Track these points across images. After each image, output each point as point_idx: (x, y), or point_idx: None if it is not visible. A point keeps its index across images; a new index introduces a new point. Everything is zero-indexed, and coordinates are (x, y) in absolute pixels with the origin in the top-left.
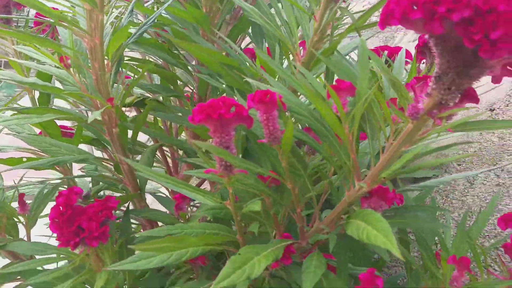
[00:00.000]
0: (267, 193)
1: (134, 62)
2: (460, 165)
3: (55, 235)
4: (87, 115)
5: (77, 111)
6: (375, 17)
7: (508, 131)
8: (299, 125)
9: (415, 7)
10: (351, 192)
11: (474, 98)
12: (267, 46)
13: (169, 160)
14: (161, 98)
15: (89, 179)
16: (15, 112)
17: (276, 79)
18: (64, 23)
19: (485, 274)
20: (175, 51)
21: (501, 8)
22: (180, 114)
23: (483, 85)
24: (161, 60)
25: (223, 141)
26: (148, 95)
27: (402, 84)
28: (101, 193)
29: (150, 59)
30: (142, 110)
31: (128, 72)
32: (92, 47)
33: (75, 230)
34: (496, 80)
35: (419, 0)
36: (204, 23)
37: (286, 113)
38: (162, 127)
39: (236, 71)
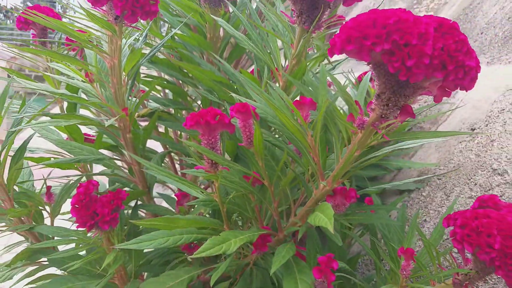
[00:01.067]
0: (251, 190)
1: (148, 79)
2: (440, 179)
3: (75, 225)
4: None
5: (98, 118)
6: None
7: (484, 149)
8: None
9: (350, 41)
10: (318, 190)
11: (410, 113)
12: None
13: (177, 166)
14: (172, 111)
15: (106, 181)
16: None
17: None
18: (89, 46)
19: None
20: (185, 70)
21: (413, 42)
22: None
23: (464, 104)
24: (173, 78)
25: (209, 142)
26: (162, 108)
27: (353, 101)
28: None
29: (166, 77)
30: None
31: (143, 86)
32: (112, 66)
33: (91, 214)
34: (436, 99)
35: (353, 36)
36: (207, 47)
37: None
38: (173, 136)
39: (225, 88)
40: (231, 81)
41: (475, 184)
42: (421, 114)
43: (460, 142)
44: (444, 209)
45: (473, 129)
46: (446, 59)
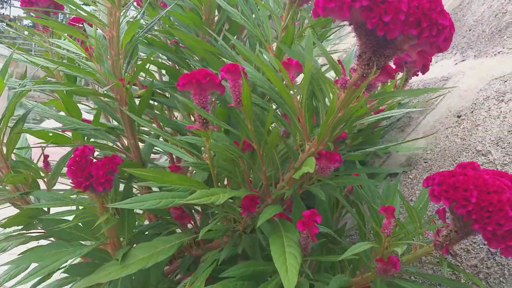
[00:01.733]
0: (240, 155)
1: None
2: (426, 162)
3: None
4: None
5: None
6: None
7: (469, 133)
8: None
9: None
10: (304, 154)
11: (390, 74)
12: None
13: None
14: (167, 95)
15: None
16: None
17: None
18: (91, 18)
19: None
20: (182, 55)
21: None
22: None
23: (450, 92)
24: (170, 62)
25: (201, 102)
26: (158, 91)
27: (336, 63)
28: None
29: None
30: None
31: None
32: (110, 38)
33: (86, 175)
34: (417, 64)
35: None
36: (202, 27)
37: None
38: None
39: (217, 57)
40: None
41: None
42: (410, 104)
43: (447, 128)
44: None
45: (459, 116)
46: (421, 16)
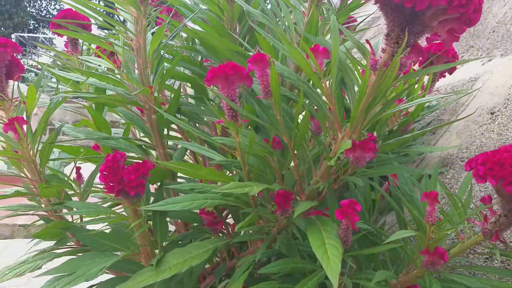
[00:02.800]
0: (271, 152)
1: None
2: (463, 161)
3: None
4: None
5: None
6: None
7: (505, 127)
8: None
9: None
10: (337, 143)
11: (420, 52)
12: None
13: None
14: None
15: None
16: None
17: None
18: (119, 29)
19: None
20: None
21: None
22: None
23: (481, 93)
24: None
25: (229, 95)
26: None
27: (363, 45)
28: None
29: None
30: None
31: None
32: (137, 47)
33: (118, 180)
34: (446, 44)
35: None
36: (225, 35)
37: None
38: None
39: (241, 57)
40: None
41: None
42: (440, 106)
43: (481, 126)
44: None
45: (492, 113)
46: None
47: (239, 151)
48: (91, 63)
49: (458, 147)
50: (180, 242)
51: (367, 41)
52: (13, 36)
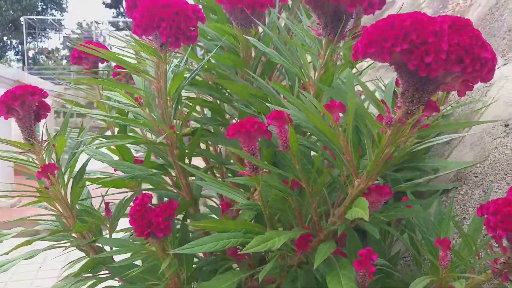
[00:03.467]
0: (290, 193)
1: (189, 103)
2: (476, 176)
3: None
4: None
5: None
6: None
7: None
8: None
9: (371, 44)
10: (353, 189)
11: (434, 108)
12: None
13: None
14: (211, 129)
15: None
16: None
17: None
18: (138, 73)
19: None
20: (222, 90)
21: (430, 40)
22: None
23: (495, 101)
24: (211, 98)
25: (250, 149)
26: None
27: (379, 101)
28: None
29: (204, 98)
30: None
31: (185, 109)
32: (158, 89)
33: (147, 223)
34: (460, 93)
35: (373, 39)
36: (241, 66)
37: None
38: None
39: (261, 100)
40: (265, 94)
41: None
42: (454, 115)
43: (495, 139)
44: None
45: (507, 125)
46: (462, 53)
47: (260, 198)
48: (112, 100)
49: (471, 163)
50: (204, 268)
51: (383, 101)
52: (22, 19)
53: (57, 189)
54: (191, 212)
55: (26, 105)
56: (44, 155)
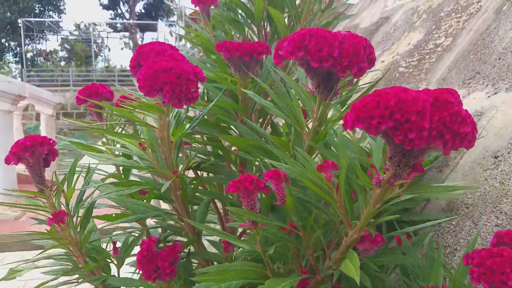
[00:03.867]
0: (288, 240)
1: (195, 145)
2: (467, 207)
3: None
4: (158, 180)
5: (152, 179)
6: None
7: (507, 176)
8: None
9: (359, 120)
10: (347, 238)
11: (420, 170)
12: None
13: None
14: (212, 158)
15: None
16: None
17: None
18: (142, 124)
19: None
20: (222, 125)
21: (413, 119)
22: (226, 176)
23: (486, 134)
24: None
25: (249, 204)
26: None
27: (367, 158)
28: (169, 238)
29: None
30: (198, 172)
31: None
32: (161, 137)
33: (154, 268)
34: (445, 153)
35: (361, 116)
36: (240, 110)
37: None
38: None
39: (259, 150)
40: (262, 139)
41: (501, 212)
42: None
43: (485, 170)
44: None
45: (496, 157)
46: (443, 129)
47: (259, 246)
48: (119, 146)
49: (462, 195)
50: None
51: (372, 165)
52: (19, 21)
53: (67, 234)
54: (195, 247)
55: (35, 154)
56: (54, 199)
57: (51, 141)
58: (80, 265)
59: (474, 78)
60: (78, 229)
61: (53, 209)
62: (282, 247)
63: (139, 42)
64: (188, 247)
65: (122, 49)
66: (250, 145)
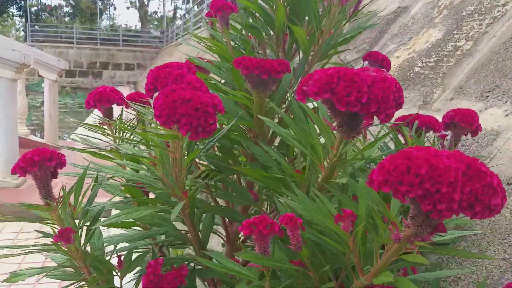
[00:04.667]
0: (298, 276)
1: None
2: (475, 235)
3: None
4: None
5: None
6: None
7: None
8: None
9: (386, 184)
10: (358, 281)
11: (443, 230)
12: None
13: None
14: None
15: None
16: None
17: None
18: (155, 146)
19: None
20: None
21: (443, 190)
22: (235, 192)
23: (501, 164)
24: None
25: (262, 246)
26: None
27: (387, 210)
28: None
29: None
30: (207, 180)
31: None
32: (174, 159)
33: None
34: (470, 217)
35: (389, 180)
36: (254, 127)
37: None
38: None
39: (273, 182)
40: (280, 166)
41: (509, 245)
42: None
43: None
44: (478, 268)
45: (509, 184)
46: (474, 202)
47: (268, 285)
48: (127, 150)
49: (471, 232)
50: None
51: (393, 222)
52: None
53: (73, 250)
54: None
55: (43, 169)
56: (60, 211)
57: (59, 155)
58: (83, 273)
59: (493, 92)
60: (83, 246)
61: (59, 222)
62: (291, 283)
63: (145, 2)
64: (193, 262)
65: (128, 8)
66: (265, 177)
